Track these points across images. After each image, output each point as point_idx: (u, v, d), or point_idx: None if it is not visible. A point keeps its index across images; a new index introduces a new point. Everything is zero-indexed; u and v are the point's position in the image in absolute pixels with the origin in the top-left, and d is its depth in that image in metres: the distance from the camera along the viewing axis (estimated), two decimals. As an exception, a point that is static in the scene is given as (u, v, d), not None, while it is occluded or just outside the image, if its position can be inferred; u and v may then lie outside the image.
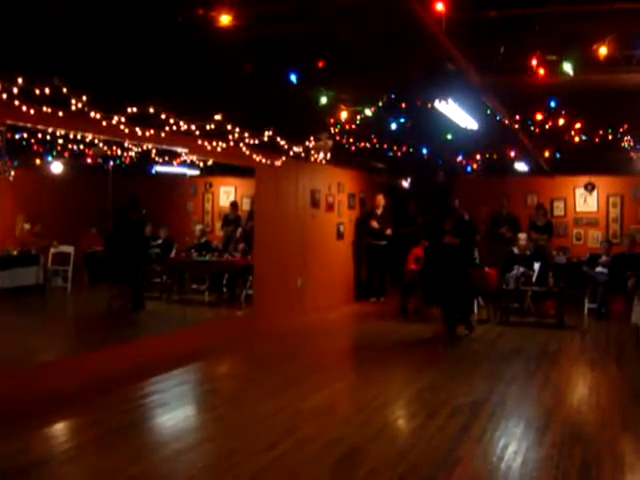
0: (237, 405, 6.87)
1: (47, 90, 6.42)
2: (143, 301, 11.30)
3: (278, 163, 11.30)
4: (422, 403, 6.91)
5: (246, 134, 9.64)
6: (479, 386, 7.53)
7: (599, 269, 13.06)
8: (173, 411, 6.69)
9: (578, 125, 9.56)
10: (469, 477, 4.97)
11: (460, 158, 14.22)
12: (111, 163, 11.05)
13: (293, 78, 6.65)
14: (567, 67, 5.97)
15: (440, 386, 7.53)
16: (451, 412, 6.48)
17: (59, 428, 6.20)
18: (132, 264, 11.06)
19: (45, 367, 7.44)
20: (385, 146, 12.03)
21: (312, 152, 11.40)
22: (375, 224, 14.31)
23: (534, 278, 11.83)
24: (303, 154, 11.37)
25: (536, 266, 11.93)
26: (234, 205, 13.85)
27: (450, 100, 7.54)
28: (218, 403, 7.06)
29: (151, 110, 7.67)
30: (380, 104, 8.02)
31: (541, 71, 6.14)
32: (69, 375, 7.37)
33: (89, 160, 10.96)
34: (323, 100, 7.69)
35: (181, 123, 8.32)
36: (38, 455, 5.34)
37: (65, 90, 6.53)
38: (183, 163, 11.63)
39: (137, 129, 8.25)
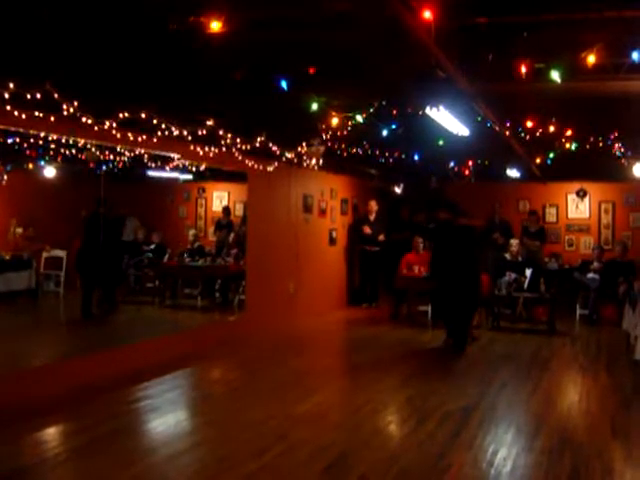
0: (228, 410, 6.87)
1: (38, 95, 6.41)
2: (115, 303, 11.14)
3: (270, 169, 11.31)
4: (413, 409, 6.92)
5: (238, 139, 9.65)
6: (470, 392, 7.54)
7: (591, 275, 13.10)
8: (164, 416, 6.69)
9: (569, 132, 9.60)
10: (458, 483, 4.99)
11: (452, 164, 14.26)
12: (104, 168, 11.06)
13: (284, 84, 6.67)
14: (555, 75, 6.00)
15: (431, 392, 7.54)
16: (441, 418, 6.49)
17: (50, 433, 6.19)
18: (100, 263, 10.85)
19: (36, 371, 7.43)
20: (377, 152, 12.06)
21: (304, 158, 11.42)
22: (368, 230, 14.32)
23: (526, 284, 11.85)
24: (295, 160, 11.39)
25: (528, 272, 11.95)
26: (227, 210, 13.87)
27: (441, 107, 7.57)
28: (209, 408, 7.06)
29: (143, 115, 7.67)
30: (371, 110, 8.04)
31: (530, 78, 6.18)
32: (60, 379, 7.36)
33: (82, 165, 10.95)
34: (314, 106, 7.71)
35: (173, 128, 8.32)
36: (28, 459, 5.34)
37: (56, 95, 6.53)
38: (176, 168, 11.65)
39: (129, 134, 8.25)
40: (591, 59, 5.67)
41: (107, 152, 9.86)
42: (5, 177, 11.15)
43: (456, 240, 10.27)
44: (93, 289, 10.89)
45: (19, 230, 12.50)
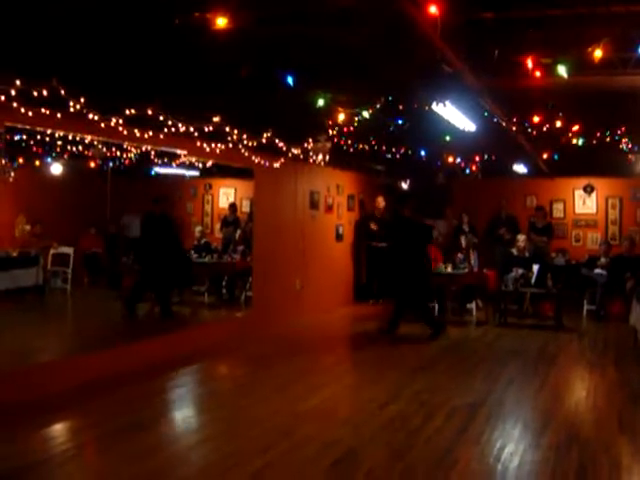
0: (235, 407, 6.87)
1: (45, 92, 6.43)
2: (170, 309, 10.86)
3: (277, 165, 11.31)
4: (420, 404, 6.90)
5: (244, 136, 9.65)
6: (477, 387, 7.54)
7: (598, 271, 13.05)
8: (171, 413, 6.72)
9: (576, 127, 9.56)
10: (466, 478, 4.97)
11: (459, 160, 14.22)
12: (110, 164, 11.09)
13: (290, 80, 6.66)
14: (561, 70, 5.97)
15: (438, 387, 7.54)
16: (449, 413, 6.49)
17: (58, 429, 6.20)
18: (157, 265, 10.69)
19: (44, 368, 7.44)
20: (384, 148, 12.04)
21: (311, 154, 11.41)
22: (374, 226, 14.29)
23: (533, 280, 11.82)
24: (302, 156, 11.38)
25: (535, 268, 11.91)
26: (233, 207, 13.88)
27: (447, 102, 7.55)
28: (216, 405, 7.06)
29: (149, 112, 7.68)
30: (378, 106, 8.03)
31: (537, 73, 6.15)
32: (68, 376, 7.37)
33: (89, 161, 10.98)
34: (320, 102, 7.70)
35: (179, 125, 8.33)
36: (37, 456, 5.33)
37: (63, 92, 6.54)
38: (182, 164, 11.66)
39: (135, 131, 8.26)
40: (598, 54, 5.64)
41: (114, 149, 9.88)
42: (12, 174, 11.18)
43: (413, 237, 10.72)
44: (169, 289, 10.97)
45: (27, 227, 12.54)
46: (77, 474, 5.15)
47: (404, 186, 16.41)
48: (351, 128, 9.26)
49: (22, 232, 12.58)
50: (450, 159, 13.89)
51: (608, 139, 10.28)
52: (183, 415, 6.76)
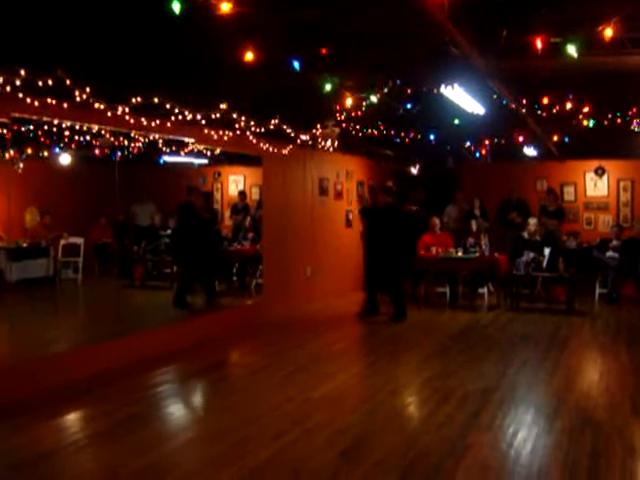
0: (246, 394, 6.87)
1: (50, 82, 6.40)
2: (184, 298, 10.94)
3: (285, 151, 11.27)
4: (432, 390, 6.89)
5: (252, 122, 9.61)
6: (489, 372, 7.50)
7: (610, 254, 12.97)
8: (182, 401, 6.71)
9: (586, 109, 9.46)
10: (478, 464, 4.93)
11: (468, 144, 14.13)
12: (119, 154, 11.04)
13: (296, 65, 6.60)
14: (571, 49, 5.87)
15: (450, 373, 7.51)
16: (461, 399, 6.46)
17: (69, 419, 6.21)
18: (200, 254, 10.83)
19: (56, 358, 7.45)
20: (392, 132, 11.98)
21: (319, 140, 11.36)
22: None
23: (544, 264, 11.75)
24: (310, 142, 11.34)
25: (546, 251, 11.85)
26: (242, 194, 13.87)
27: (456, 85, 7.48)
28: (227, 392, 7.07)
29: (156, 100, 7.65)
30: (386, 90, 7.96)
31: (545, 54, 6.07)
32: (80, 366, 7.39)
33: (97, 151, 10.96)
34: (328, 87, 7.63)
35: (186, 112, 8.30)
36: (48, 446, 5.35)
37: (68, 81, 6.52)
38: (191, 153, 11.63)
39: (142, 119, 8.24)
40: (608, 33, 5.54)
41: (121, 138, 9.86)
42: (21, 165, 11.17)
43: (389, 223, 10.92)
44: (193, 280, 11.01)
45: (37, 218, 12.55)
46: (88, 463, 5.16)
47: (414, 171, 16.33)
48: (359, 113, 9.20)
49: (32, 223, 12.58)
50: (460, 143, 13.80)
51: (619, 120, 10.17)
52: (194, 403, 6.76)
